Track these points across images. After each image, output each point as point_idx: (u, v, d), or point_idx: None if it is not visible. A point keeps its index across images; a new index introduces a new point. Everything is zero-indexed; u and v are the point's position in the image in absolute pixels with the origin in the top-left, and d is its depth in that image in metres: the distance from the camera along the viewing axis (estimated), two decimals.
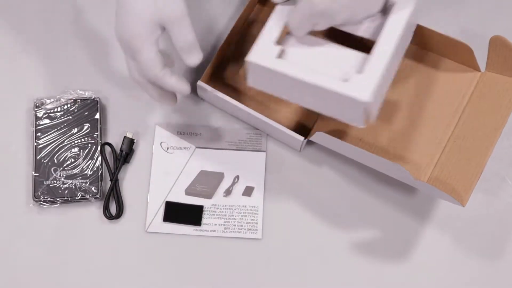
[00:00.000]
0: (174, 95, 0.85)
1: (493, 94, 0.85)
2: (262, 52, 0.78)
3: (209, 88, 0.87)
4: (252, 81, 0.81)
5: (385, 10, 0.79)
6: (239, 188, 0.90)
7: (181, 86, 0.80)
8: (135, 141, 0.91)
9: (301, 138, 0.87)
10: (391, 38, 0.76)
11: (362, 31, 0.79)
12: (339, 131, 0.85)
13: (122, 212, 0.89)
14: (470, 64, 0.86)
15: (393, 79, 0.81)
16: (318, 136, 0.83)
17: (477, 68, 0.86)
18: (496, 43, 0.82)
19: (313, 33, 0.78)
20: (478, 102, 0.85)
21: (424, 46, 0.86)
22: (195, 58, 0.78)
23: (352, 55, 0.78)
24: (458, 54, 0.86)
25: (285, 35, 0.80)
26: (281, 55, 0.78)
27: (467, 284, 0.89)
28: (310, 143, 0.90)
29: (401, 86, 0.86)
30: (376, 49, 0.76)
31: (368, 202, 0.90)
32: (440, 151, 0.83)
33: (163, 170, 0.91)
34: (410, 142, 0.84)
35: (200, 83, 0.88)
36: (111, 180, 0.90)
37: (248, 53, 0.78)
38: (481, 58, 0.86)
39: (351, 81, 0.74)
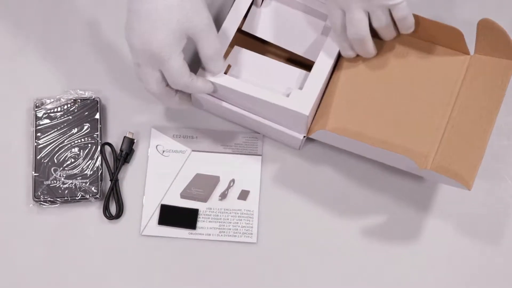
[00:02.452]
0: (189, 96, 0.86)
1: (485, 76, 0.84)
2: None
3: (204, 96, 0.88)
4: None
5: (326, 32, 0.88)
6: (235, 191, 0.91)
7: (207, 86, 0.82)
8: (135, 141, 0.92)
9: (301, 136, 0.87)
10: (328, 59, 0.85)
11: (304, 51, 0.89)
12: (338, 127, 0.85)
13: (122, 212, 0.90)
14: (460, 48, 0.86)
15: (387, 69, 0.87)
16: (319, 134, 0.84)
17: (467, 52, 0.86)
18: (484, 26, 0.82)
19: (258, 51, 0.89)
20: (471, 86, 0.85)
21: (413, 33, 0.86)
22: (220, 66, 0.81)
23: (294, 72, 0.88)
24: (448, 39, 0.86)
25: (230, 52, 0.88)
26: (228, 70, 0.87)
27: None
28: (308, 140, 0.90)
29: (394, 76, 0.86)
30: (315, 68, 0.84)
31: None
32: (439, 138, 0.83)
33: (158, 173, 0.91)
34: (409, 132, 0.84)
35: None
36: (111, 180, 0.90)
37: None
38: (468, 42, 0.85)
39: (292, 96, 0.82)
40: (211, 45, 0.79)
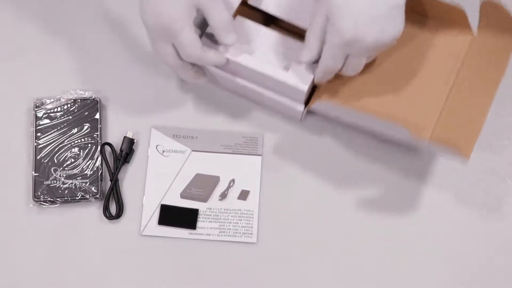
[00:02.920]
0: (203, 71, 0.88)
1: (487, 53, 0.86)
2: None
3: (211, 68, 0.88)
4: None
5: None
6: (235, 191, 0.91)
7: (220, 57, 0.84)
8: (135, 141, 0.92)
9: (301, 107, 0.88)
10: None
11: (303, 22, 0.87)
12: (338, 99, 0.86)
13: (122, 212, 0.90)
14: (462, 26, 0.87)
15: None
16: (318, 105, 0.85)
17: (469, 30, 0.87)
18: (487, 5, 0.83)
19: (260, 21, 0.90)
20: (472, 62, 0.86)
21: (416, 11, 0.86)
22: (231, 37, 0.82)
23: (296, 45, 0.87)
24: (451, 17, 0.87)
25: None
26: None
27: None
28: (309, 115, 0.91)
29: (396, 51, 0.87)
30: None
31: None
32: (439, 111, 0.84)
33: (158, 173, 0.91)
34: (409, 105, 0.85)
35: None
36: (111, 180, 0.90)
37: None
38: (471, 21, 0.86)
39: (291, 70, 0.84)
40: (221, 16, 0.81)
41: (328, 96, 0.86)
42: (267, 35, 0.89)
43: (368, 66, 0.85)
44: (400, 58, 0.87)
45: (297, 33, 0.89)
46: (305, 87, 0.84)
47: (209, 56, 0.82)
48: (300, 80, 0.84)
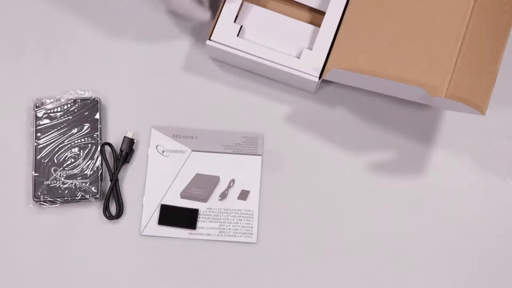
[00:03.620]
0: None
1: (494, 5, 0.85)
2: (223, 32, 0.89)
3: (218, 45, 0.89)
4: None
5: None
6: (235, 191, 0.91)
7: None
8: (135, 141, 0.92)
9: (316, 78, 0.88)
10: (337, 11, 0.89)
11: (315, 3, 0.91)
12: (351, 65, 0.86)
13: (122, 212, 0.90)
14: None
15: (396, 4, 0.87)
16: (332, 73, 0.85)
17: None
18: None
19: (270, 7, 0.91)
20: (480, 15, 0.85)
21: None
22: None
23: (304, 28, 0.90)
24: None
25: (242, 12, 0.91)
26: (240, 33, 0.90)
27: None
28: (324, 84, 0.93)
29: (404, 11, 0.87)
30: (324, 23, 0.89)
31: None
32: (451, 68, 0.84)
33: (158, 173, 0.91)
34: (421, 64, 0.85)
35: (209, 42, 0.89)
36: (111, 180, 0.91)
37: (209, 33, 0.89)
38: None
39: (302, 58, 0.88)
40: None
41: (341, 64, 0.86)
42: (276, 20, 0.90)
43: (377, 28, 0.86)
44: (408, 17, 0.86)
45: (304, 13, 0.90)
46: (317, 74, 0.86)
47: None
48: (311, 68, 0.86)
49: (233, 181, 0.91)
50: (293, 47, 0.89)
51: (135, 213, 0.90)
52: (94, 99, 0.93)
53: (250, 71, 0.94)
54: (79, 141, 0.92)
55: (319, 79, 0.88)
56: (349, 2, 0.89)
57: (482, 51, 0.84)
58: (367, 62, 0.85)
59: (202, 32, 0.95)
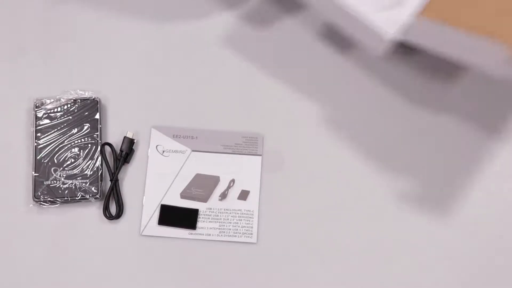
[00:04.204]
0: None
1: None
2: None
3: None
4: None
5: None
6: (235, 192, 0.91)
7: None
8: (135, 141, 0.92)
9: (391, 30, 0.77)
10: None
11: None
12: (441, 16, 0.76)
13: (122, 213, 0.90)
14: None
15: None
16: (417, 27, 0.75)
17: None
18: None
19: None
20: None
21: None
22: None
23: None
24: None
25: None
26: None
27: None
28: None
29: None
30: None
31: None
32: None
33: (158, 173, 0.91)
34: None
35: None
36: (111, 180, 0.90)
37: None
38: None
39: (389, 11, 0.76)
40: None
41: (441, 14, 0.76)
42: None
43: None
44: None
45: None
46: (390, 35, 0.75)
47: None
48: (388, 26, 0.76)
49: (233, 181, 0.91)
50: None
51: (135, 213, 0.90)
52: (94, 99, 0.93)
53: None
54: (79, 141, 0.92)
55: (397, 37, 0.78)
56: None
57: None
58: (458, 14, 0.74)
59: (202, 32, 0.96)
